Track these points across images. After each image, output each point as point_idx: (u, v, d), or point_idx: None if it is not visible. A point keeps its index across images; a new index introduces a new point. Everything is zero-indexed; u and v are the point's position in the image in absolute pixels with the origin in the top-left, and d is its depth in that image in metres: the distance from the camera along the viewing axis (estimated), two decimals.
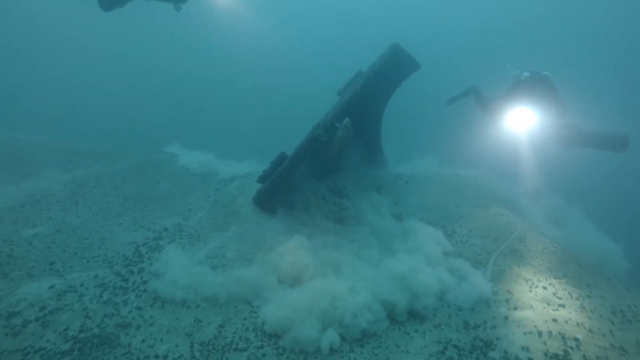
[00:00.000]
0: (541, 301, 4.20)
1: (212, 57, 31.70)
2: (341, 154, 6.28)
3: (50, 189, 6.51)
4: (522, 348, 3.54)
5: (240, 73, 30.90)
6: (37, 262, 4.53)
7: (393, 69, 7.15)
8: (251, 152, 9.79)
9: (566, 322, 3.83)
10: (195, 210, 5.89)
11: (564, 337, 3.62)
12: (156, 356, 3.42)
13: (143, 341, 3.56)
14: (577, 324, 3.81)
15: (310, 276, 4.32)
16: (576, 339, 3.59)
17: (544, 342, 3.57)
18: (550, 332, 3.68)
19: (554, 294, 4.34)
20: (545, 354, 3.44)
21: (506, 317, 3.99)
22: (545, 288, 4.46)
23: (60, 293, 3.97)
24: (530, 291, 4.41)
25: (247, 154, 9.09)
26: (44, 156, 7.71)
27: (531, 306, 4.11)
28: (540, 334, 3.68)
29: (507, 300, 4.27)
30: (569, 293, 4.35)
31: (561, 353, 3.45)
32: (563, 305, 4.12)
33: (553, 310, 4.04)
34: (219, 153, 8.71)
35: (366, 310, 3.86)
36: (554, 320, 3.85)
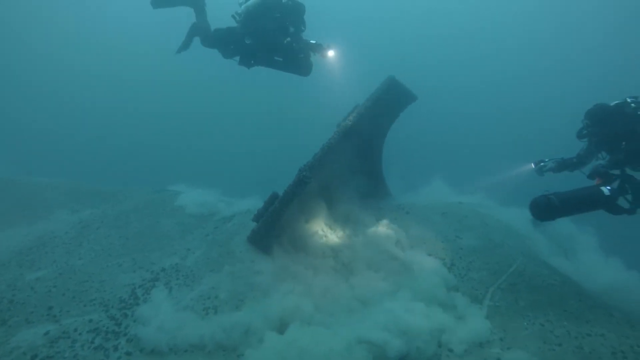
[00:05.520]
0: (537, 340, 4.05)
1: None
2: None
3: (57, 230, 6.77)
4: None
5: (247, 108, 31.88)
6: (36, 307, 4.67)
7: (389, 101, 7.28)
8: (255, 187, 9.98)
9: None
10: (193, 250, 6.00)
11: None
12: None
13: None
14: None
15: (300, 320, 4.30)
16: None
17: None
18: None
19: (552, 331, 4.18)
20: None
21: (498, 359, 3.86)
22: (542, 325, 4.31)
23: (53, 340, 4.07)
24: (527, 329, 4.26)
25: (250, 189, 9.26)
26: (55, 198, 8.05)
27: (526, 345, 3.97)
28: None
29: (501, 339, 4.13)
30: (567, 331, 4.18)
31: None
32: (560, 345, 3.96)
33: (549, 350, 3.89)
34: (224, 189, 8.89)
35: (351, 352, 3.80)
36: None
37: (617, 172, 4.91)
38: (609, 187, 4.62)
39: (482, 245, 6.31)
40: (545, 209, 4.74)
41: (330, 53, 6.86)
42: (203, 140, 30.95)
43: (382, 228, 6.68)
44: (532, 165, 6.38)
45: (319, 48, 6.85)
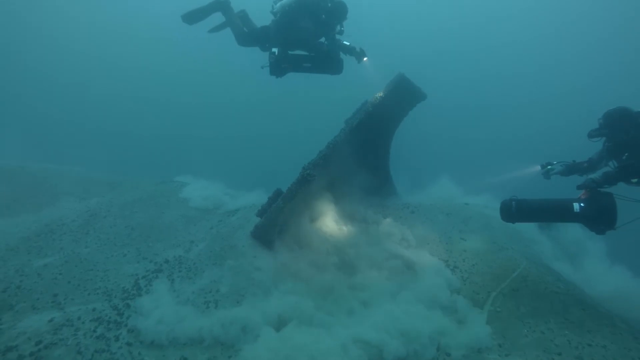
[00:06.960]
0: (536, 348, 4.02)
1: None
2: None
3: (65, 218, 6.87)
4: None
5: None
6: (42, 294, 4.76)
7: (397, 99, 7.21)
8: (262, 179, 10.00)
9: None
10: (196, 242, 6.05)
11: None
12: None
13: None
14: None
15: (299, 318, 4.32)
16: None
17: None
18: None
19: (552, 340, 4.15)
20: None
21: None
22: (543, 333, 4.28)
23: (57, 327, 4.15)
24: (527, 336, 4.23)
25: (257, 182, 9.28)
26: (63, 185, 8.17)
27: (524, 353, 3.95)
28: None
29: (500, 345, 4.11)
30: (568, 340, 4.15)
31: None
32: (560, 354, 3.93)
33: (548, 358, 3.86)
34: (229, 181, 8.93)
35: (347, 352, 3.81)
36: None
37: (608, 187, 4.67)
38: (582, 205, 4.48)
39: (486, 248, 6.25)
40: (506, 213, 4.84)
41: (365, 59, 6.72)
42: (211, 132, 31.09)
43: (387, 227, 6.66)
44: (539, 168, 6.23)
45: (353, 51, 6.69)
